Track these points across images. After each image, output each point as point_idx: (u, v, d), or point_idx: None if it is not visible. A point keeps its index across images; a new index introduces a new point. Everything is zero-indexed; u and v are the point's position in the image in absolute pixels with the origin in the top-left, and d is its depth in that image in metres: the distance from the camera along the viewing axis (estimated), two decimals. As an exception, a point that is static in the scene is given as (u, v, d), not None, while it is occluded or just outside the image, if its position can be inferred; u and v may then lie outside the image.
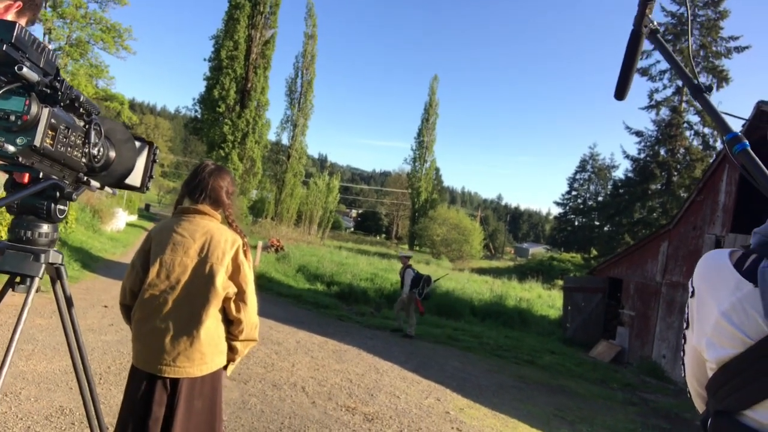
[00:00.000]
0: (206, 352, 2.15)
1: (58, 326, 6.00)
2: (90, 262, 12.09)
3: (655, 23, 1.24)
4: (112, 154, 1.53)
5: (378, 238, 75.39)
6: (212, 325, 2.17)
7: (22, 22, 1.29)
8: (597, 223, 48.07)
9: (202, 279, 2.15)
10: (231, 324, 2.25)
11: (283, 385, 5.39)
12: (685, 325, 1.01)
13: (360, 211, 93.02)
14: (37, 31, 34.52)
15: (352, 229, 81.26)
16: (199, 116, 42.63)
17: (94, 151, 1.38)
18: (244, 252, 2.26)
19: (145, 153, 1.63)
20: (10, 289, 1.30)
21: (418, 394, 6.24)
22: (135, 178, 1.60)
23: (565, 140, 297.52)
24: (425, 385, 6.82)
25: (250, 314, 2.26)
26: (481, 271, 37.70)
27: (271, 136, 43.91)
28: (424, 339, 10.79)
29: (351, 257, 27.45)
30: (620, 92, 1.31)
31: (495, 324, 14.90)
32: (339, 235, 59.87)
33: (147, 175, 1.62)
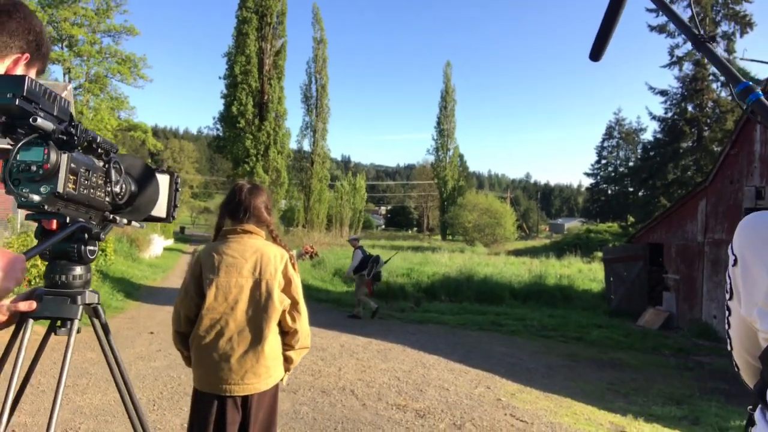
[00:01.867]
0: (270, 365, 2.25)
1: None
2: (132, 290, 12.42)
3: None
4: (135, 188, 1.56)
5: (410, 232, 75.30)
6: (273, 339, 2.27)
7: (32, 72, 1.32)
8: (630, 189, 46.96)
9: (260, 297, 2.24)
10: (286, 335, 2.34)
11: (332, 390, 5.44)
12: (728, 296, 0.95)
13: (389, 208, 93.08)
14: (57, 71, 35.60)
15: (383, 227, 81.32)
16: (221, 134, 43.30)
17: (117, 189, 1.41)
18: (292, 264, 2.36)
19: (167, 183, 1.65)
20: (53, 333, 1.34)
21: (467, 384, 6.22)
22: (160, 210, 1.63)
23: (589, 109, 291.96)
24: (473, 374, 6.79)
25: (304, 323, 2.36)
26: (518, 253, 37.27)
27: (293, 145, 44.23)
28: (467, 328, 10.75)
29: (385, 255, 27.53)
30: (596, 52, 1.19)
31: (537, 305, 14.72)
32: (371, 234, 59.98)
33: (171, 205, 1.65)
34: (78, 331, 1.36)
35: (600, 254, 23.79)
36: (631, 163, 51.85)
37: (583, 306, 15.06)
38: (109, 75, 36.51)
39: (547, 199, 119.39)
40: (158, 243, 27.09)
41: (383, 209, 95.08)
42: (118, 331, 7.90)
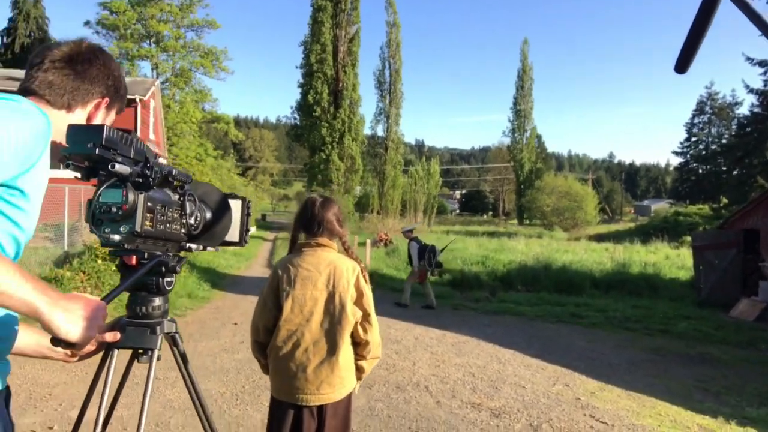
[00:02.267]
0: (344, 376, 2.34)
1: (196, 350, 6.55)
2: (217, 280, 13.04)
3: None
4: (209, 215, 1.62)
5: (485, 216, 74.21)
6: (347, 350, 2.36)
7: (112, 113, 1.40)
8: (724, 168, 43.77)
9: (334, 309, 2.33)
10: (358, 345, 2.43)
11: (406, 386, 5.48)
12: None
13: (463, 192, 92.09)
14: (146, 67, 37.77)
15: (458, 211, 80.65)
16: (298, 123, 44.40)
17: (191, 221, 1.46)
18: (364, 277, 2.44)
19: (239, 208, 1.71)
20: (136, 360, 1.42)
21: (544, 381, 6.06)
22: (233, 234, 1.69)
23: (677, 84, 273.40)
24: (551, 370, 6.61)
25: (375, 334, 2.44)
26: (600, 238, 35.75)
27: (366, 131, 44.65)
28: (545, 320, 10.46)
29: (459, 240, 27.27)
30: (683, 63, 1.08)
31: (620, 295, 14.06)
32: (445, 219, 59.72)
33: (244, 229, 1.71)
34: (158, 359, 1.44)
35: (689, 239, 22.35)
36: (724, 141, 48.31)
37: (670, 296, 14.22)
38: (192, 68, 38.33)
39: (632, 180, 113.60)
40: (241, 230, 28.19)
41: (458, 194, 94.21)
42: (204, 322, 8.36)
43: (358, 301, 2.39)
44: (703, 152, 51.99)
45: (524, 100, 60.00)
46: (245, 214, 1.73)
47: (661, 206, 67.20)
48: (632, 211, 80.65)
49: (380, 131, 45.93)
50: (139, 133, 22.56)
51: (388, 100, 45.20)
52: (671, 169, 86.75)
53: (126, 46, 35.36)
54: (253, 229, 38.28)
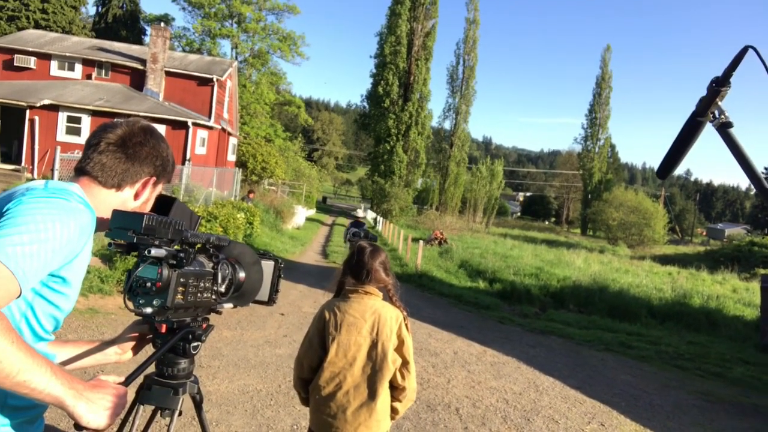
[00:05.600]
0: (380, 419, 2.47)
1: (242, 339, 6.83)
2: (272, 263, 13.40)
3: (727, 115, 1.07)
4: (242, 275, 1.71)
5: (546, 223, 72.36)
6: (385, 395, 2.49)
7: (159, 186, 1.50)
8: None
9: (376, 356, 2.47)
10: (395, 389, 2.56)
11: (437, 406, 5.51)
12: None
13: (527, 195, 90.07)
14: (225, 45, 39.10)
15: (519, 214, 79.02)
16: (366, 111, 44.80)
17: (222, 289, 1.56)
18: (406, 326, 2.58)
19: (271, 269, 1.79)
20: (159, 413, 1.53)
21: (579, 417, 5.93)
22: (263, 294, 1.78)
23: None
24: (589, 405, 6.44)
25: (412, 381, 2.58)
26: (665, 260, 34.17)
27: (433, 125, 44.45)
28: (592, 346, 10.16)
29: (516, 247, 26.79)
30: (664, 171, 1.21)
31: (677, 327, 13.39)
32: (505, 222, 58.74)
33: (273, 290, 1.79)
34: (179, 414, 1.55)
35: (763, 271, 21.00)
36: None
37: (731, 335, 13.40)
38: (270, 51, 39.32)
39: (707, 201, 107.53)
40: (301, 213, 28.87)
41: (521, 196, 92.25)
42: (253, 309, 8.62)
43: (399, 349, 2.51)
44: (792, 179, 48.45)
45: (600, 108, 57.90)
46: (277, 275, 1.82)
47: (736, 231, 63.30)
48: (704, 233, 76.44)
49: (447, 126, 45.62)
50: (213, 112, 23.32)
51: (459, 96, 44.80)
52: (752, 193, 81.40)
53: (209, 24, 36.70)
54: (312, 212, 39.03)
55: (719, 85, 1.06)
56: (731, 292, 18.88)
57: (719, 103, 1.08)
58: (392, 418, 2.59)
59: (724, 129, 1.08)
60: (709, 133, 1.14)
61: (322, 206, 49.54)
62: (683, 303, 15.28)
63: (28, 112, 19.00)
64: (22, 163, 19.06)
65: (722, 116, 1.08)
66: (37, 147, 18.95)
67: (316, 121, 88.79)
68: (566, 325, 11.77)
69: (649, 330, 12.61)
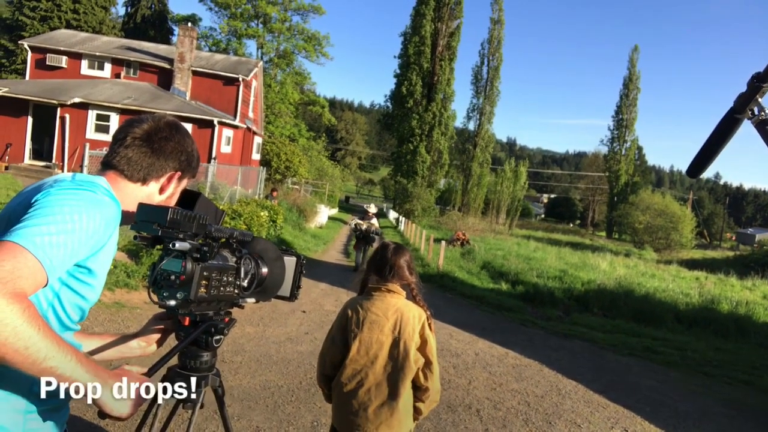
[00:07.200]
0: (402, 419, 2.45)
1: (264, 335, 6.87)
2: (294, 261, 13.49)
3: (767, 112, 1.04)
4: (264, 270, 1.71)
5: (570, 225, 71.42)
6: (407, 395, 2.47)
7: (184, 181, 1.51)
8: None
9: (398, 355, 2.45)
10: (418, 390, 2.53)
11: (457, 407, 5.47)
12: None
13: (551, 197, 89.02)
14: (251, 46, 39.57)
15: (543, 216, 78.13)
16: (390, 112, 44.81)
17: (244, 284, 1.56)
18: (429, 325, 2.55)
19: (293, 265, 1.79)
20: (181, 406, 1.54)
21: (602, 422, 5.82)
22: (285, 290, 1.77)
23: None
24: (612, 410, 6.31)
25: (435, 381, 2.54)
26: (692, 264, 33.39)
27: (457, 125, 44.27)
28: (617, 351, 9.98)
29: (540, 249, 26.49)
30: (696, 170, 1.18)
31: (704, 333, 13.06)
32: (528, 223, 58.12)
33: (295, 286, 1.79)
34: (201, 407, 1.56)
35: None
36: None
37: (761, 342, 13.02)
38: (295, 51, 39.62)
39: (737, 204, 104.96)
40: (324, 212, 28.99)
41: (545, 197, 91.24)
42: (275, 306, 8.66)
43: (422, 348, 2.48)
44: (828, 183, 47.14)
45: (628, 109, 56.94)
46: (299, 271, 1.82)
47: (767, 236, 61.68)
48: (733, 238, 74.60)
49: (471, 127, 45.34)
50: (239, 111, 23.60)
51: (483, 97, 44.48)
52: (786, 197, 79.23)
53: (235, 25, 37.13)
54: (335, 211, 39.18)
55: (761, 81, 1.02)
56: (761, 299, 18.38)
57: (759, 99, 1.04)
58: (415, 419, 2.55)
59: (763, 126, 1.04)
60: (739, 135, 1.10)
61: (345, 206, 49.68)
62: (711, 309, 14.93)
63: (59, 110, 19.47)
64: (53, 160, 19.54)
65: (762, 113, 1.04)
66: (67, 144, 19.41)
67: (339, 120, 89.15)
68: (590, 328, 11.58)
69: (675, 335, 12.34)
